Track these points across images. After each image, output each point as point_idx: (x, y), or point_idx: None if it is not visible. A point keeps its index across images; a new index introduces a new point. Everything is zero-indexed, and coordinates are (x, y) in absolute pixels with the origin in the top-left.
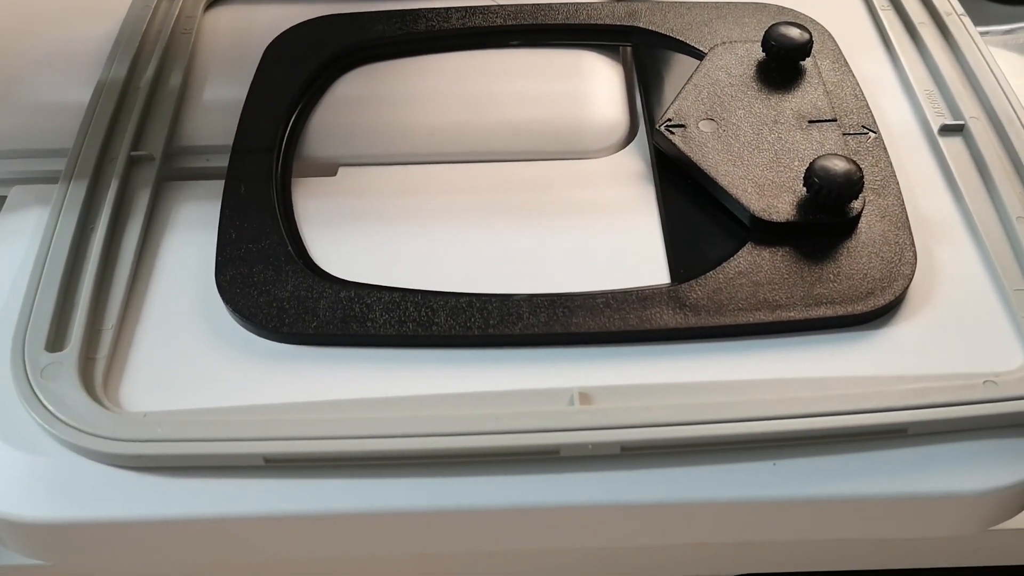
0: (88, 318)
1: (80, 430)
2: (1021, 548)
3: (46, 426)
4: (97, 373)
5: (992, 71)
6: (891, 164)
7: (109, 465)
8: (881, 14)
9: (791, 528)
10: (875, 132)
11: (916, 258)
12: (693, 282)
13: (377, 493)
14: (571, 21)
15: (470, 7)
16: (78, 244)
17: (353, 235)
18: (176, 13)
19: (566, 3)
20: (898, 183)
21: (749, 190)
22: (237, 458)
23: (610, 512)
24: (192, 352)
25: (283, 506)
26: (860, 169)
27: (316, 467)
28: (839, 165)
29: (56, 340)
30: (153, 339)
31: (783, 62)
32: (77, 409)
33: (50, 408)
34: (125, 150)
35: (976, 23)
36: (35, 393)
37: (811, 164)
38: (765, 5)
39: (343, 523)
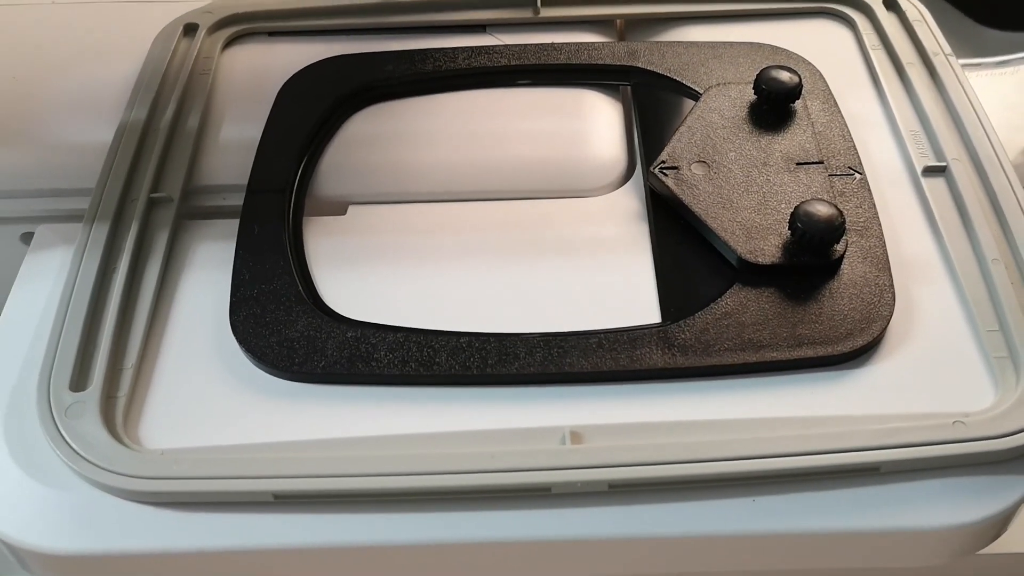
0: (110, 358)
1: (102, 468)
2: (989, 571)
3: (70, 464)
4: (118, 411)
5: (976, 112)
6: (874, 206)
7: (129, 500)
8: (872, 53)
9: (770, 559)
10: (860, 173)
11: (895, 300)
12: (682, 323)
13: (379, 527)
14: (573, 61)
15: (476, 47)
16: (100, 285)
17: (360, 274)
18: (195, 53)
19: (569, 43)
20: (880, 225)
21: (737, 232)
22: (248, 495)
23: (599, 546)
24: (207, 390)
25: (291, 540)
26: (842, 214)
27: (322, 502)
28: (822, 211)
29: (79, 379)
30: (170, 377)
31: (774, 104)
32: (99, 447)
33: (74, 446)
34: (145, 192)
35: (973, 51)
36: (60, 432)
37: (795, 209)
38: (760, 45)
39: (347, 555)
